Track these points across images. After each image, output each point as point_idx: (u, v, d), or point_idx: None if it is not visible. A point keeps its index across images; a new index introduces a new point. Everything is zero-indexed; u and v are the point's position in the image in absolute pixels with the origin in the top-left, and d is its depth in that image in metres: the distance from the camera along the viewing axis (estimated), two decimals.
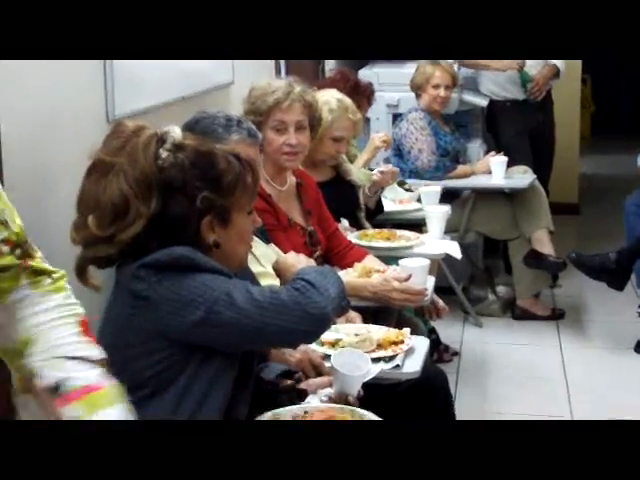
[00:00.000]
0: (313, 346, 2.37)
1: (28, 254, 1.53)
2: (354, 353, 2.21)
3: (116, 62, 2.60)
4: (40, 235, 1.71)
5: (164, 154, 1.81)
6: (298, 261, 2.53)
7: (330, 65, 5.25)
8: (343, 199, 3.65)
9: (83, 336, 1.54)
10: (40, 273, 1.55)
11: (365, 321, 2.70)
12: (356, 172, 3.88)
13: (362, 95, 4.30)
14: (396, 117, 5.11)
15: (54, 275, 1.57)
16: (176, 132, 1.87)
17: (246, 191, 1.89)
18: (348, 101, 3.67)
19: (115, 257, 1.83)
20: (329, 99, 3.53)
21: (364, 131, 4.99)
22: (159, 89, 2.93)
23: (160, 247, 1.80)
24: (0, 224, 1.47)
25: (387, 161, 4.92)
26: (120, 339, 1.78)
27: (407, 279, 2.83)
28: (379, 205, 4.01)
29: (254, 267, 2.54)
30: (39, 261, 1.57)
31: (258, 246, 2.65)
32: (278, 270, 2.58)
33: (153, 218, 1.79)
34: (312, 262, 2.59)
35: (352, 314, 2.69)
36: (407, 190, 4.32)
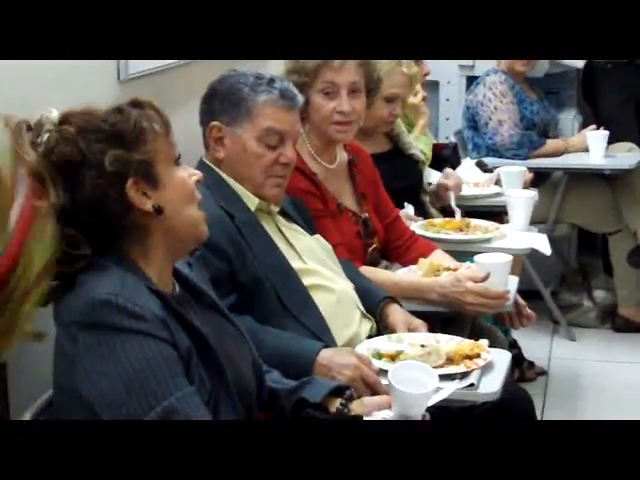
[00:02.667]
0: (369, 358, 2.37)
1: None
2: (417, 367, 2.18)
3: None
4: None
5: (45, 136, 1.78)
6: (330, 364, 2.33)
7: None
8: (403, 177, 3.63)
9: None
10: None
11: (432, 330, 2.68)
12: (416, 145, 3.88)
13: None
14: (471, 80, 5.10)
15: None
16: (52, 112, 1.83)
17: (158, 137, 1.87)
18: None
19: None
20: None
21: (431, 98, 4.99)
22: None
23: (96, 249, 1.79)
24: None
25: (459, 134, 4.94)
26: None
27: (484, 279, 2.81)
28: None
29: (294, 263, 2.56)
30: None
31: (300, 238, 2.68)
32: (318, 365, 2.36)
33: (66, 217, 1.73)
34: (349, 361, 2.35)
35: (416, 322, 2.67)
36: (485, 171, 4.31)
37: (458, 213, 3.65)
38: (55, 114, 1.82)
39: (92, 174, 1.78)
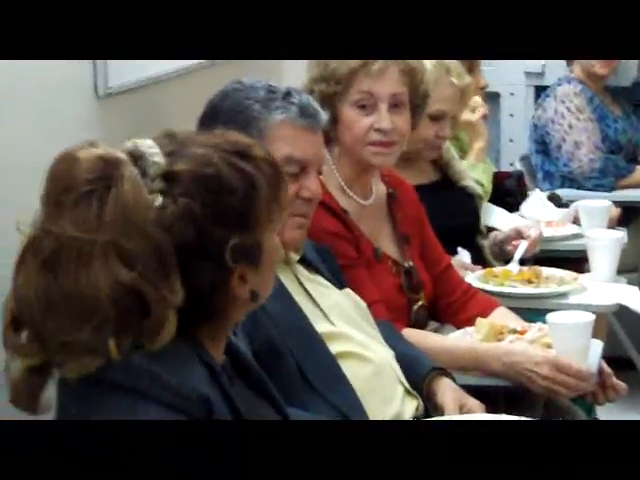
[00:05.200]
0: None
1: None
2: None
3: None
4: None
5: (157, 200, 1.69)
6: None
7: None
8: (454, 215, 3.65)
9: None
10: None
11: (494, 409, 2.64)
12: (471, 174, 3.89)
13: None
14: (540, 91, 5.17)
15: None
16: (151, 150, 1.73)
17: (272, 201, 1.80)
18: (450, 60, 3.66)
19: None
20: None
21: (490, 113, 4.98)
22: None
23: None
24: None
25: (525, 160, 4.97)
26: None
27: (573, 373, 2.70)
28: None
29: (319, 325, 2.50)
30: None
31: (326, 293, 2.62)
32: None
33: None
34: None
35: (471, 402, 2.62)
36: (559, 206, 4.29)
37: (516, 268, 3.59)
38: (158, 157, 1.71)
39: (211, 266, 1.72)
